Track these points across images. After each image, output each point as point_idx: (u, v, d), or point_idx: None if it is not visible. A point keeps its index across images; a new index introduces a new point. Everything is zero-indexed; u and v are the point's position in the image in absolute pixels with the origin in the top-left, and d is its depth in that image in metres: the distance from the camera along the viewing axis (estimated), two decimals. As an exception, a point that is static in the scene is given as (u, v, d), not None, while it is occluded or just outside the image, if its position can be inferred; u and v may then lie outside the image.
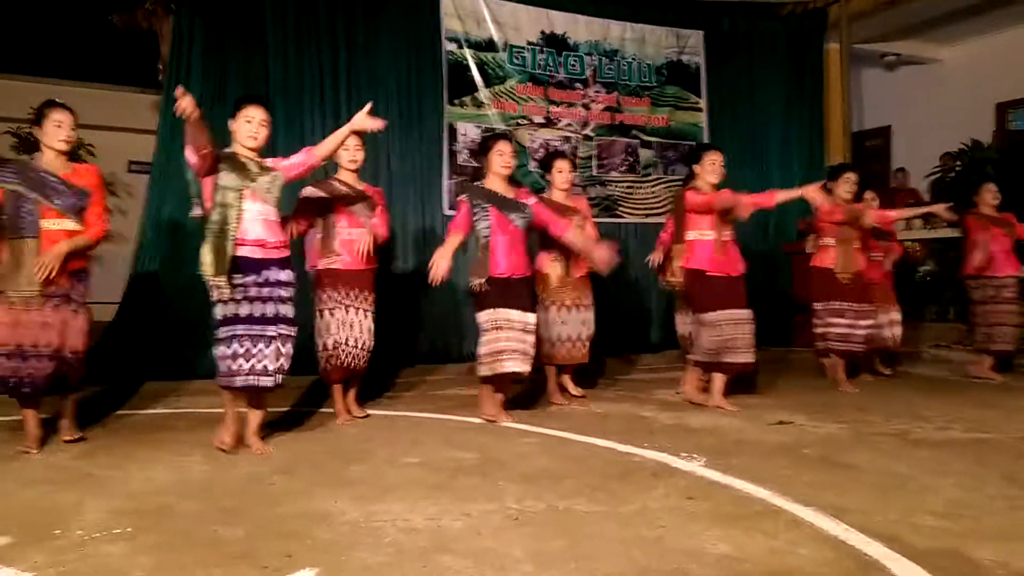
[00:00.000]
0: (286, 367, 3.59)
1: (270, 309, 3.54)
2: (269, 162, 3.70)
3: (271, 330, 3.53)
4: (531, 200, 4.40)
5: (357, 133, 4.09)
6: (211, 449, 3.56)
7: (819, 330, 5.41)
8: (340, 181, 4.42)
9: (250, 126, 3.60)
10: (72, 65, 10.18)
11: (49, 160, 3.68)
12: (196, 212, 3.60)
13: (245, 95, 3.91)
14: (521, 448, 3.68)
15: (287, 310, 3.60)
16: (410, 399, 5.13)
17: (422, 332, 6.39)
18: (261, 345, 3.50)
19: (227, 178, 3.52)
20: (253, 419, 3.67)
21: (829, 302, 5.33)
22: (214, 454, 3.52)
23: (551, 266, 4.91)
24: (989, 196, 5.81)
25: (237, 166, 3.55)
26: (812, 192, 4.80)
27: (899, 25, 9.03)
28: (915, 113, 9.97)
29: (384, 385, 5.66)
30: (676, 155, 7.68)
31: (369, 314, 4.38)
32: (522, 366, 4.17)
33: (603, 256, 4.31)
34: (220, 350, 3.52)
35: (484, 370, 4.21)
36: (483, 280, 4.21)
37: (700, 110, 7.90)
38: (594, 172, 7.34)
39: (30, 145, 7.51)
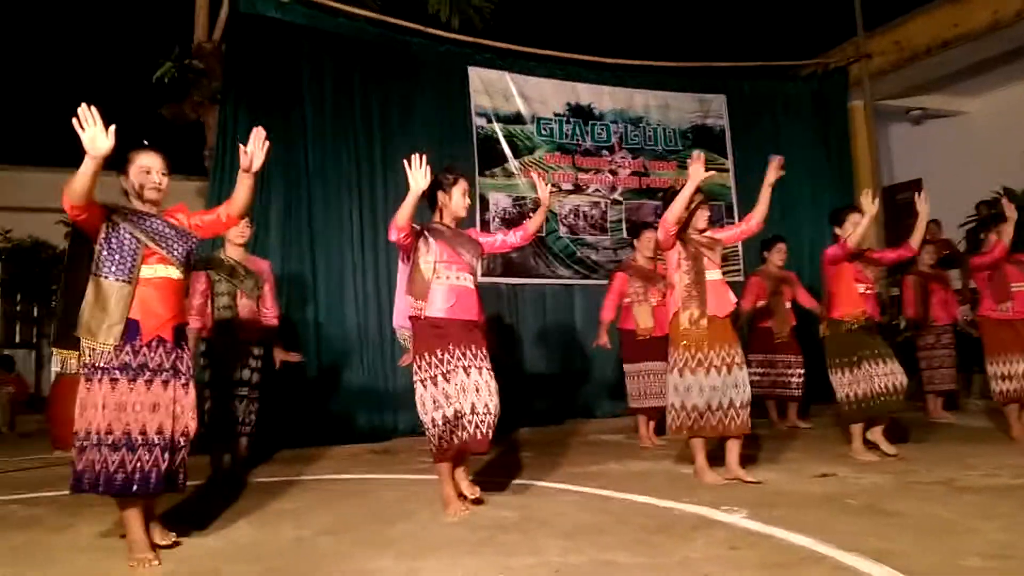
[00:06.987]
0: None
1: None
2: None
3: None
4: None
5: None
6: (258, 515, 3.64)
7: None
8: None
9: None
10: (116, 156, 10.71)
11: None
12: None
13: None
14: (560, 506, 3.69)
15: None
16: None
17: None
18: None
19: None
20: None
21: None
22: (260, 520, 3.58)
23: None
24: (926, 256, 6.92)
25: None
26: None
27: (922, 80, 9.16)
28: (945, 165, 9.97)
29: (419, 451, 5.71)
30: (705, 215, 7.81)
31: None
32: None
33: None
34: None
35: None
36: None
37: (727, 171, 8.04)
38: (624, 235, 7.47)
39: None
